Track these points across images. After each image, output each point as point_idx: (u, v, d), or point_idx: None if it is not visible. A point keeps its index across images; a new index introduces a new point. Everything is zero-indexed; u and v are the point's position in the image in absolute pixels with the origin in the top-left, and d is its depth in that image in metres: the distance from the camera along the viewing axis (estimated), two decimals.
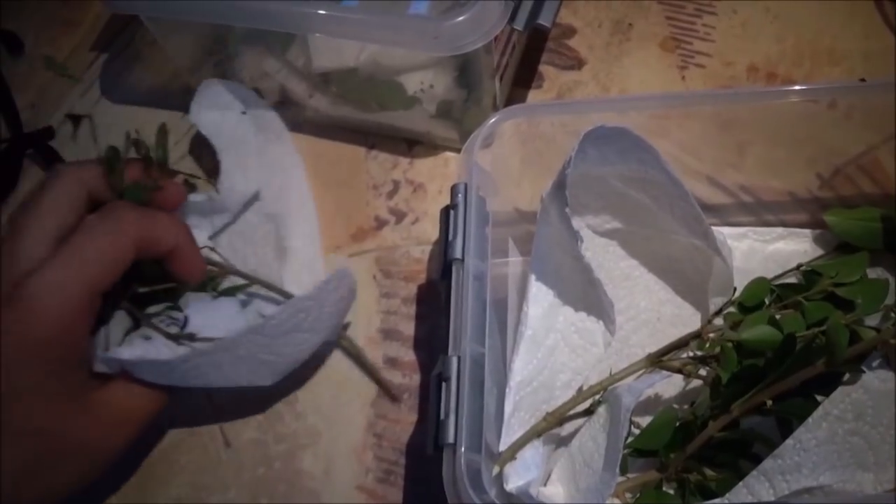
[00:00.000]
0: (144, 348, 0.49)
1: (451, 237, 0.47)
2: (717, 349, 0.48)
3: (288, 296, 0.55)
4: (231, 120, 0.61)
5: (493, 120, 0.50)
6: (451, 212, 0.48)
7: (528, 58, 0.66)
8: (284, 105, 0.66)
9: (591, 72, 0.65)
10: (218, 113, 0.61)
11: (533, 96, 0.64)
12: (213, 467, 0.55)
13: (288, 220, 0.59)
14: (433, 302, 0.57)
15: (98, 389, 0.48)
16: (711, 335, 0.49)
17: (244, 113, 0.61)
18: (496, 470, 0.45)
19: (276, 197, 0.60)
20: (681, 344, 0.49)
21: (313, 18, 0.53)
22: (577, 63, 0.66)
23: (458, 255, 0.47)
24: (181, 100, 0.67)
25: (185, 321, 0.52)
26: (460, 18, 0.51)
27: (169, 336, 0.50)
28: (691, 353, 0.49)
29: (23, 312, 0.45)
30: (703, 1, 0.68)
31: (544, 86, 0.65)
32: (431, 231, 0.60)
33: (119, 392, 0.49)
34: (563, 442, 0.50)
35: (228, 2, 0.55)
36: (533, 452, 0.47)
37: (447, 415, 0.43)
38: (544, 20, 0.54)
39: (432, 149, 0.63)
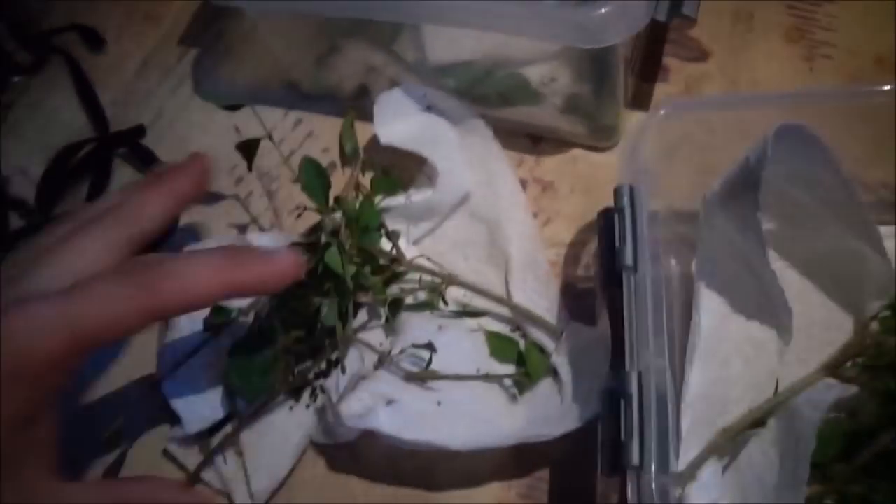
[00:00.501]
0: (396, 416, 0.48)
1: (619, 243, 0.44)
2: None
3: (533, 318, 0.53)
4: (424, 121, 0.57)
5: (652, 117, 0.48)
6: (617, 216, 0.45)
7: (652, 49, 0.62)
8: None
9: (716, 63, 0.62)
10: (407, 119, 0.57)
11: (660, 90, 0.61)
12: (341, 483, 0.53)
13: (503, 223, 0.55)
14: (578, 308, 0.54)
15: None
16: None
17: (429, 108, 0.58)
18: (678, 491, 0.43)
19: (485, 196, 0.56)
20: (854, 353, 0.47)
21: (450, 9, 0.50)
22: (702, 54, 0.63)
23: (629, 262, 0.44)
24: (281, 96, 0.65)
25: (429, 359, 0.50)
26: (606, 9, 0.48)
27: (411, 377, 0.48)
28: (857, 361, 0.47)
29: None
30: None
31: (670, 79, 0.62)
32: (564, 232, 0.57)
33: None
34: (732, 456, 0.47)
35: None
36: (711, 471, 0.44)
37: (629, 435, 0.40)
38: (688, 10, 0.51)
39: (558, 145, 0.60)
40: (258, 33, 0.67)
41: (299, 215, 0.60)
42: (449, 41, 0.58)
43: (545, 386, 0.52)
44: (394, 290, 0.54)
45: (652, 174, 0.48)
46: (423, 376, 0.50)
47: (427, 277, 0.54)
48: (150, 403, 0.55)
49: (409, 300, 0.54)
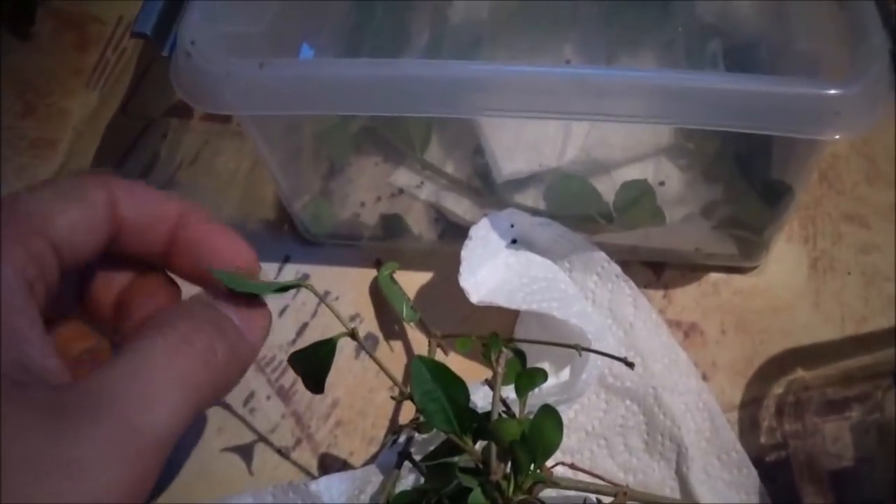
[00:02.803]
0: None
1: None
2: None
3: None
4: (518, 264, 0.41)
5: None
6: None
7: None
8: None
9: (845, 141, 0.48)
10: (495, 263, 0.40)
11: None
12: None
13: (662, 395, 0.39)
14: (774, 490, 0.38)
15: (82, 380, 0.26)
16: None
17: (514, 242, 0.41)
18: None
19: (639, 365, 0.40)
20: None
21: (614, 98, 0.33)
22: None
23: None
24: (267, 242, 0.46)
25: None
26: (860, 88, 0.32)
27: None
28: None
29: None
30: None
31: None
32: (730, 389, 0.41)
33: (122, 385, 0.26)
34: None
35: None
36: None
37: None
38: None
39: (688, 270, 0.44)
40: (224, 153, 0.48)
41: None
42: (523, 144, 0.42)
43: None
44: None
45: None
46: None
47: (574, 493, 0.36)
48: None
49: None
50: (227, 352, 0.28)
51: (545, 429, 0.32)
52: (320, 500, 0.35)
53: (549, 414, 0.32)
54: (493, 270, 0.40)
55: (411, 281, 0.43)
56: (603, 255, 0.41)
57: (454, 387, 0.32)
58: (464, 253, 0.39)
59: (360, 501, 0.36)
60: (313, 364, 0.33)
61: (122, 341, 0.30)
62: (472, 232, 0.39)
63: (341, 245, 0.45)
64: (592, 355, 0.37)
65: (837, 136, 0.33)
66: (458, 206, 0.44)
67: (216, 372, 0.28)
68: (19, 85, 0.55)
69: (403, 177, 0.44)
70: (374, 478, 0.36)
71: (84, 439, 0.24)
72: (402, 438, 0.37)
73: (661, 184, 0.42)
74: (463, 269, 0.39)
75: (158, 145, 0.51)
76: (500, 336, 0.35)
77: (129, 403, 0.25)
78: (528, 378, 0.34)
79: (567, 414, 0.40)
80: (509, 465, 0.32)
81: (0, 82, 0.55)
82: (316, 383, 0.34)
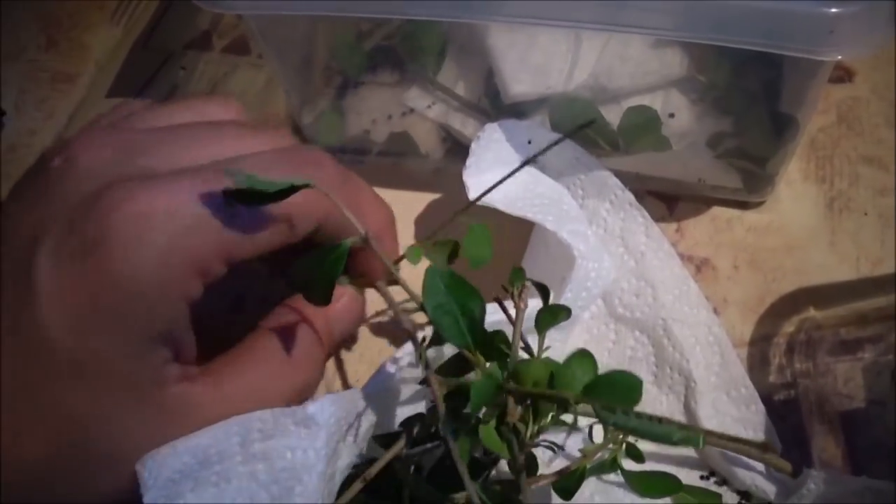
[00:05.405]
0: None
1: None
2: None
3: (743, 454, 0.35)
4: (526, 177, 0.39)
5: None
6: None
7: None
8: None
9: (866, 83, 0.48)
10: (503, 172, 0.39)
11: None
12: None
13: (671, 327, 0.38)
14: (780, 430, 0.38)
15: (178, 385, 0.32)
16: None
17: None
18: None
19: (637, 290, 0.39)
20: None
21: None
22: (846, 74, 0.48)
23: None
24: None
25: None
26: (856, 8, 0.32)
27: None
28: None
29: (100, 233, 0.28)
30: None
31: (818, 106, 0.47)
32: (741, 326, 0.41)
33: (206, 397, 0.32)
34: None
35: None
36: None
37: None
38: None
39: (702, 205, 0.44)
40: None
41: None
42: (532, 67, 0.42)
43: None
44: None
45: None
46: None
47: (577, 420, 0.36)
48: None
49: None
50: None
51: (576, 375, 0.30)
52: (314, 422, 0.34)
53: (583, 358, 0.30)
54: (498, 177, 0.39)
55: (416, 200, 0.44)
56: (617, 181, 0.40)
57: (470, 299, 0.30)
58: (474, 146, 0.38)
59: (355, 423, 0.34)
60: (321, 273, 0.32)
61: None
62: (487, 132, 0.39)
63: (347, 162, 0.45)
64: (581, 273, 0.36)
65: (839, 57, 0.33)
66: (465, 126, 0.44)
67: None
68: (43, 19, 0.56)
69: (415, 96, 0.44)
70: (369, 399, 0.35)
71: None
72: (400, 355, 0.35)
73: (671, 116, 0.42)
74: (470, 162, 0.38)
75: (177, 77, 0.52)
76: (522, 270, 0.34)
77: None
78: (549, 314, 0.33)
79: (576, 344, 0.39)
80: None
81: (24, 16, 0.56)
82: (323, 294, 0.32)
